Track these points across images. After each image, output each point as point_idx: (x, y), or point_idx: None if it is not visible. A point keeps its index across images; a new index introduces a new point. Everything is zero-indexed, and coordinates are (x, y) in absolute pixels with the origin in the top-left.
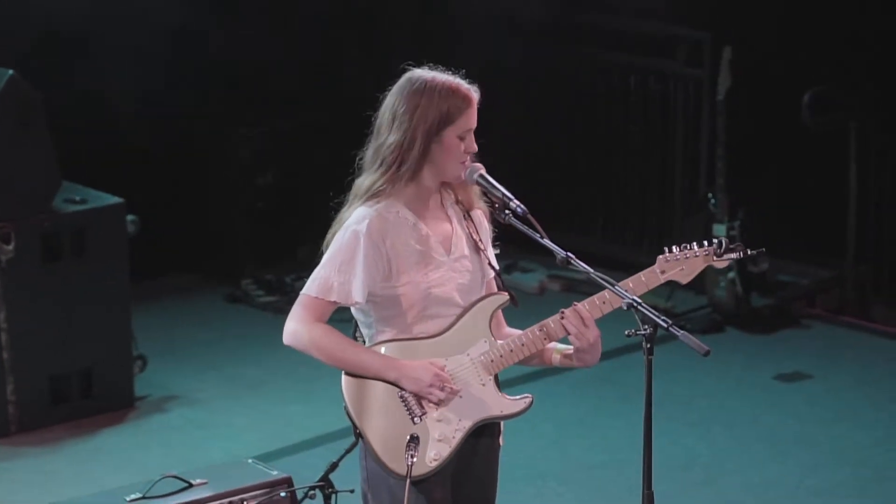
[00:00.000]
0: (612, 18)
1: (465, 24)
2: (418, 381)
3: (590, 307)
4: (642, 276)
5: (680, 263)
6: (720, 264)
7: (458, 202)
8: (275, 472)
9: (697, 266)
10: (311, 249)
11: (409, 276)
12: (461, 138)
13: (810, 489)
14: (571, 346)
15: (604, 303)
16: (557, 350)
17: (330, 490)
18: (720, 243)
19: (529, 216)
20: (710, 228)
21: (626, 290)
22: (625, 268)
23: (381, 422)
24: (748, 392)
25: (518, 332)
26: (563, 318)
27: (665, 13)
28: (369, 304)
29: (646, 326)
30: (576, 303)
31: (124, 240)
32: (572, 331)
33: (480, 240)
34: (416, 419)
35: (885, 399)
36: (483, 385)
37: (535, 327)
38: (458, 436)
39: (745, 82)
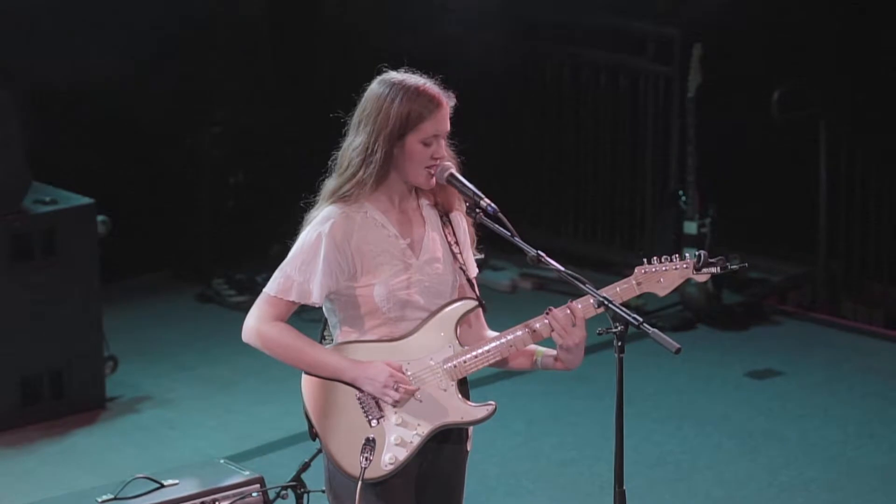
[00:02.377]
0: (582, 15)
1: (435, 22)
2: (373, 381)
3: (563, 318)
4: (618, 287)
5: (658, 276)
6: (700, 278)
7: (436, 204)
8: (247, 472)
9: (675, 280)
10: (283, 249)
11: (373, 277)
12: (426, 144)
13: (781, 485)
14: (551, 349)
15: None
16: (539, 352)
17: (302, 490)
18: (699, 257)
19: (500, 214)
20: (681, 225)
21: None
22: (596, 265)
23: (338, 423)
24: (719, 389)
25: (495, 334)
26: (549, 314)
27: (634, 10)
28: (335, 303)
29: (617, 324)
30: (551, 307)
31: (95, 240)
32: (558, 330)
33: (456, 243)
34: (373, 422)
35: (855, 395)
36: (444, 390)
37: (503, 335)
38: (416, 441)
39: (714, 79)
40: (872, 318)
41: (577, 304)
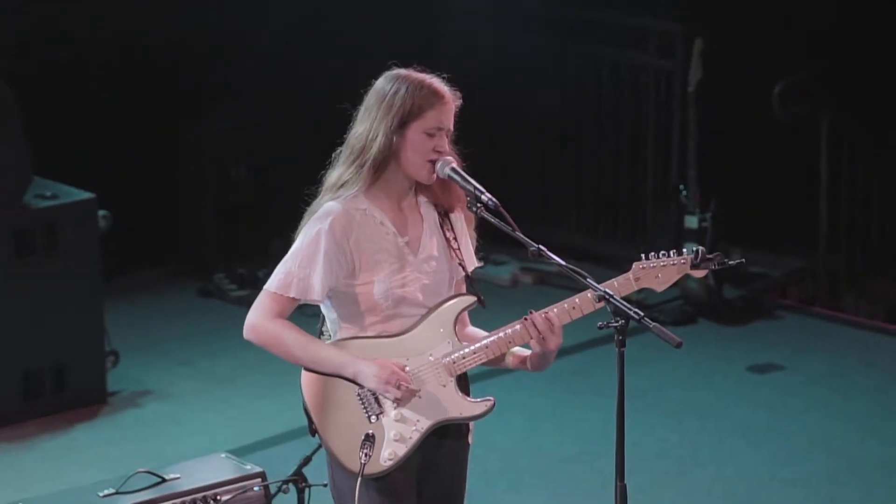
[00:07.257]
0: (584, 10)
1: (438, 17)
2: (375, 378)
3: (559, 313)
4: (615, 282)
5: (656, 271)
6: (697, 274)
7: (436, 204)
8: (248, 467)
9: (673, 275)
10: (284, 243)
11: (372, 274)
12: (429, 135)
13: (783, 480)
14: (525, 349)
15: (573, 308)
16: (511, 352)
17: (303, 484)
18: (697, 253)
19: (501, 209)
20: (682, 220)
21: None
22: (597, 260)
23: (338, 419)
24: (721, 383)
25: (480, 331)
26: (528, 320)
27: (636, 4)
28: (333, 300)
29: (618, 318)
30: (532, 311)
31: (96, 235)
32: (535, 336)
33: (455, 238)
34: (372, 418)
35: (856, 390)
36: (444, 386)
37: (500, 330)
38: (416, 436)
39: (716, 74)
40: (873, 313)
41: (553, 313)
